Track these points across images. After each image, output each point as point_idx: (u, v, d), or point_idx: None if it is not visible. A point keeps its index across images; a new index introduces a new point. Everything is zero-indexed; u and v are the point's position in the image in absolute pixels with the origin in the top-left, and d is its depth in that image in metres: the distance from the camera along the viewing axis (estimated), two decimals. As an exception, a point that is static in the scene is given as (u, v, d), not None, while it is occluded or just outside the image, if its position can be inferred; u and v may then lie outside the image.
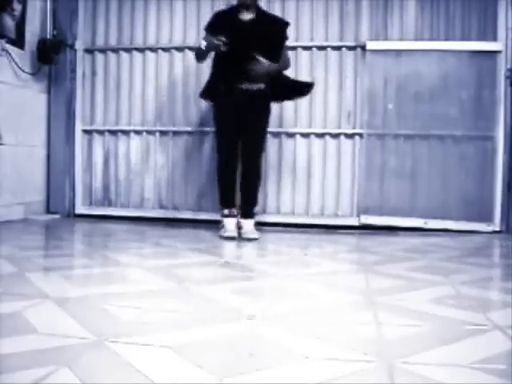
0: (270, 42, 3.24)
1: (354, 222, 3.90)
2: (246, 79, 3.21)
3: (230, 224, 3.32)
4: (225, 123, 3.32)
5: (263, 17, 3.34)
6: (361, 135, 3.92)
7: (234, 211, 3.37)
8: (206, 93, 3.41)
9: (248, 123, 3.30)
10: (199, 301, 1.74)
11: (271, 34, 3.24)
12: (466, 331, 1.44)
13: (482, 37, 3.80)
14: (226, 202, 3.38)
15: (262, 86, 3.27)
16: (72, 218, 4.16)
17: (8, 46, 3.63)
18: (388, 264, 2.50)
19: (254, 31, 3.21)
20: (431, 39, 3.86)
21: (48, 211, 4.18)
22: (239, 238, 3.26)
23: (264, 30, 3.21)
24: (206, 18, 4.05)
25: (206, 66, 4.05)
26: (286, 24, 3.36)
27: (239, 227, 3.35)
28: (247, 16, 3.28)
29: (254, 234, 3.26)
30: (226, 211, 3.36)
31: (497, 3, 3.78)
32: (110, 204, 4.22)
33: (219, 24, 3.28)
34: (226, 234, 3.24)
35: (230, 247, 3.02)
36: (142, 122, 4.19)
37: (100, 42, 4.24)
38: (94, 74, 4.24)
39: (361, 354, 1.25)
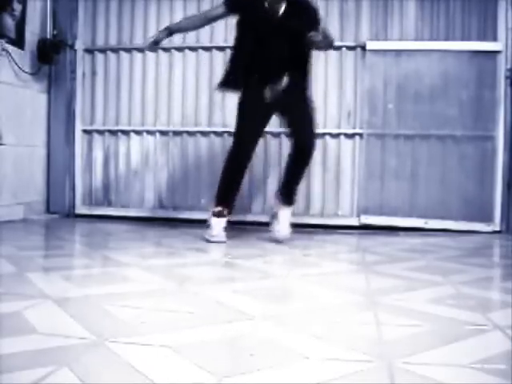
0: (303, 36, 2.83)
1: (354, 222, 3.90)
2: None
3: (217, 225, 3.01)
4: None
5: (293, 5, 2.96)
6: (361, 135, 3.92)
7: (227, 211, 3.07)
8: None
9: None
10: (199, 301, 1.74)
11: (303, 27, 2.85)
12: (466, 331, 1.44)
13: (482, 37, 3.80)
14: (228, 199, 3.06)
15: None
16: (72, 218, 4.16)
17: (8, 46, 3.63)
18: (388, 264, 2.50)
19: (285, 28, 2.91)
20: (431, 39, 3.86)
21: (48, 211, 4.18)
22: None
23: (295, 25, 2.89)
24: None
25: (205, 67, 4.08)
26: (316, 11, 3.06)
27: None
28: (276, 5, 2.93)
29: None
30: (218, 209, 3.02)
31: (497, 3, 3.78)
32: (110, 204, 4.22)
33: (243, 8, 3.01)
34: (212, 239, 2.98)
35: (229, 247, 3.01)
36: (141, 122, 4.19)
37: (100, 42, 4.24)
38: (93, 73, 4.24)
39: (361, 354, 1.25)
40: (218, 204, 3.05)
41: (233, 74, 3.06)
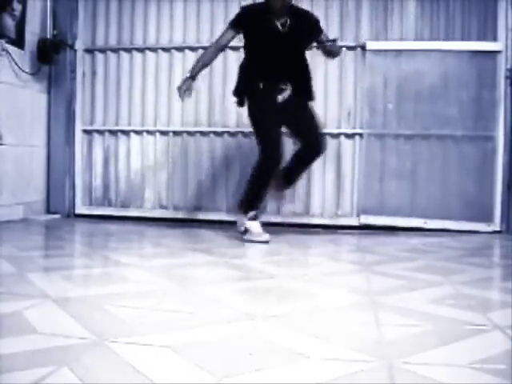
0: (306, 44, 3.25)
1: (354, 222, 3.90)
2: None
3: (257, 227, 3.12)
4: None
5: (296, 18, 3.13)
6: (361, 135, 3.92)
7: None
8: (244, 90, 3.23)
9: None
10: (199, 301, 1.74)
11: (307, 36, 3.21)
12: (466, 331, 1.44)
13: (482, 37, 3.80)
14: (259, 203, 3.19)
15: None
16: (72, 218, 4.16)
17: (8, 46, 3.63)
18: (388, 264, 2.50)
19: (288, 40, 3.09)
20: (431, 39, 3.86)
21: (48, 211, 4.18)
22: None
23: (299, 35, 3.13)
24: (206, 18, 4.09)
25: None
26: (318, 22, 3.26)
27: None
28: (280, 19, 3.08)
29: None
30: (252, 214, 3.13)
31: (497, 3, 3.78)
32: (110, 204, 4.22)
33: (249, 25, 3.12)
34: (260, 239, 3.05)
35: (229, 247, 3.01)
36: (141, 121, 4.19)
37: (100, 42, 4.24)
38: (94, 73, 4.24)
39: (361, 354, 1.25)
40: (251, 209, 3.13)
41: (248, 81, 3.18)
